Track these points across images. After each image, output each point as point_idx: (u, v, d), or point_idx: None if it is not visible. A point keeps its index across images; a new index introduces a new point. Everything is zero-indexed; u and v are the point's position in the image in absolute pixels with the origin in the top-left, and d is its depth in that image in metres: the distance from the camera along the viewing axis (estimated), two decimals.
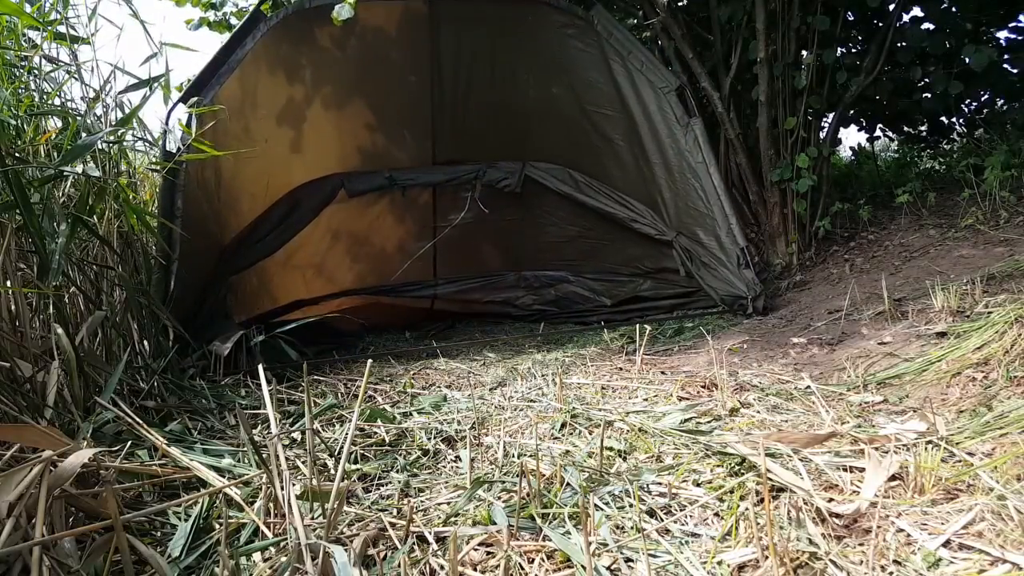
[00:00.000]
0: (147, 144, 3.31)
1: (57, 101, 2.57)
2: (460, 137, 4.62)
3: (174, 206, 3.06)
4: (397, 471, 1.69)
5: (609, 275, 4.71)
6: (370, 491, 1.58)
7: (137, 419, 1.78)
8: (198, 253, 3.31)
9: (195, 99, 3.03)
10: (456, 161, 4.69)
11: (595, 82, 4.16)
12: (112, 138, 2.54)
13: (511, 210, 4.86)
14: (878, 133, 5.32)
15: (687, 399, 2.11)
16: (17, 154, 2.15)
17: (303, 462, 1.69)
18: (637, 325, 3.13)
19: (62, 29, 2.60)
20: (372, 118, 4.43)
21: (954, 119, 5.01)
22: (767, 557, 1.10)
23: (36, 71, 2.50)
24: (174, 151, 2.90)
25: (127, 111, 2.85)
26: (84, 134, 2.29)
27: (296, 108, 4.04)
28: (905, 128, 5.27)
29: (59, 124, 2.56)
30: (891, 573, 1.07)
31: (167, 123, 2.94)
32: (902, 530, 1.16)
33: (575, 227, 4.78)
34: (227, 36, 5.03)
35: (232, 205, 3.83)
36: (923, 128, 5.24)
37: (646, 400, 2.18)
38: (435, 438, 1.91)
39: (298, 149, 4.17)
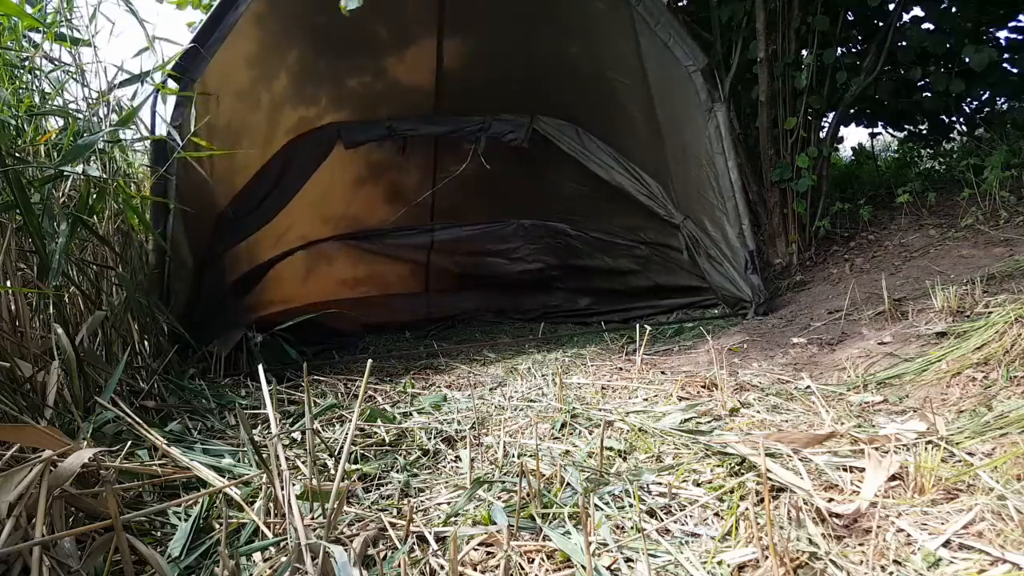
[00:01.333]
0: (146, 144, 3.27)
1: (59, 102, 2.57)
2: (466, 88, 4.39)
3: (167, 195, 2.92)
4: (397, 471, 1.69)
5: (610, 234, 4.58)
6: (370, 491, 1.58)
7: (137, 419, 1.78)
8: (194, 228, 3.19)
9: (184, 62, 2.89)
10: (460, 112, 4.44)
11: (617, 47, 3.87)
12: (112, 138, 2.54)
13: (514, 164, 4.62)
14: (879, 130, 5.33)
15: (687, 399, 2.11)
16: (17, 154, 2.15)
17: (303, 462, 1.69)
18: (637, 325, 3.13)
19: (63, 30, 2.60)
20: (373, 65, 4.22)
21: (955, 119, 5.02)
22: (767, 557, 1.10)
23: (38, 71, 2.50)
24: (164, 135, 2.81)
25: (126, 111, 2.84)
26: (85, 134, 2.29)
27: (292, 60, 3.83)
28: (906, 126, 5.27)
29: (59, 124, 2.56)
30: (891, 573, 1.07)
31: (154, 105, 2.86)
32: (902, 530, 1.16)
33: (580, 185, 4.58)
34: None
35: (226, 175, 3.66)
36: (923, 127, 5.25)
37: (646, 400, 2.18)
38: (435, 438, 1.91)
39: (295, 103, 3.98)
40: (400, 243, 4.99)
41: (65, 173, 2.21)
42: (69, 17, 2.66)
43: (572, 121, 4.32)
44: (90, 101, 2.66)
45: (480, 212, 5.03)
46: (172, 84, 2.91)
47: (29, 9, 2.49)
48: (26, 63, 2.44)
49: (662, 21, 3.62)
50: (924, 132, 5.28)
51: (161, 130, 2.87)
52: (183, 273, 3.08)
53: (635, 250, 4.47)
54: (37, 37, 2.58)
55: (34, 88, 2.49)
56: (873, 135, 5.39)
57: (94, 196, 2.40)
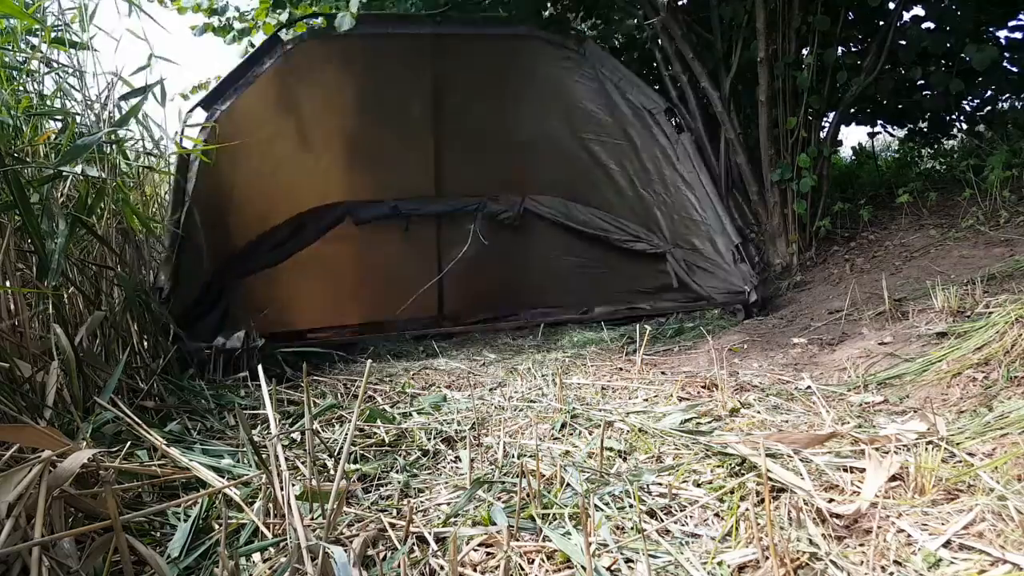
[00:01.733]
0: (147, 145, 3.32)
1: (58, 103, 2.57)
2: (463, 169, 4.75)
3: (183, 205, 3.22)
4: (397, 471, 1.69)
5: (614, 308, 4.67)
6: (370, 491, 1.58)
7: (136, 419, 1.78)
8: (210, 237, 3.47)
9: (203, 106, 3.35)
10: (459, 193, 4.85)
11: (592, 111, 4.33)
12: (110, 139, 2.54)
13: (514, 242, 4.96)
14: (878, 128, 5.33)
15: (687, 399, 2.11)
16: (15, 154, 2.14)
17: (303, 462, 1.68)
18: (637, 325, 3.13)
19: (61, 34, 2.61)
20: (378, 149, 4.54)
21: (955, 117, 5.03)
22: (767, 557, 1.10)
23: (35, 73, 2.50)
24: (187, 149, 3.15)
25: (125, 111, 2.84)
26: (84, 135, 2.29)
27: (305, 134, 4.22)
28: (907, 124, 5.28)
29: (57, 126, 2.56)
30: (891, 573, 1.06)
31: (183, 123, 3.19)
32: (902, 530, 1.16)
33: (576, 257, 4.89)
34: (228, 39, 5.27)
35: (238, 214, 3.99)
36: (923, 124, 5.25)
37: (646, 400, 2.18)
38: (435, 438, 1.91)
39: (306, 173, 4.33)
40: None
41: (64, 173, 2.20)
42: (68, 20, 2.67)
43: (559, 191, 4.78)
44: (89, 102, 2.66)
45: (485, 296, 5.18)
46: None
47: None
48: (24, 64, 2.44)
49: (623, 78, 4.16)
50: (924, 130, 5.28)
51: (186, 144, 3.22)
52: (196, 275, 3.31)
53: (638, 309, 4.53)
54: (35, 40, 2.58)
55: (32, 90, 2.49)
56: (872, 134, 5.39)
57: (93, 196, 2.40)
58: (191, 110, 3.34)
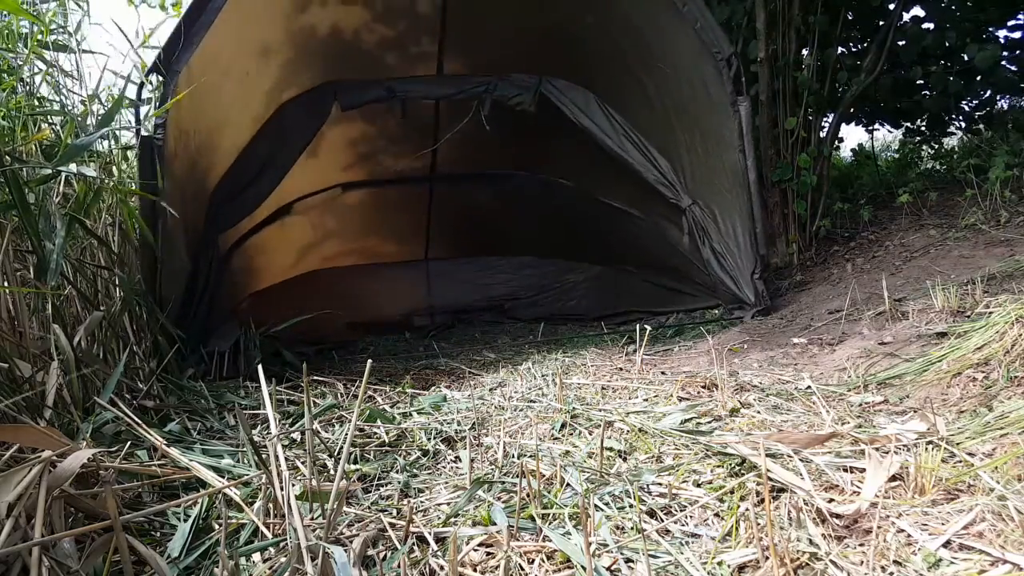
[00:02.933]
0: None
1: (56, 105, 2.57)
2: (471, 49, 4.18)
3: (156, 188, 2.77)
4: (397, 471, 1.68)
5: (617, 202, 4.41)
6: (370, 491, 1.58)
7: (136, 419, 1.77)
8: (188, 221, 3.14)
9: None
10: (464, 73, 4.22)
11: (639, 22, 3.70)
12: (106, 139, 2.54)
13: (520, 128, 4.38)
14: (877, 126, 5.36)
15: (687, 399, 2.11)
16: (13, 155, 2.14)
17: (303, 462, 1.68)
18: (637, 325, 3.12)
19: (57, 37, 2.61)
20: (371, 20, 3.92)
21: (954, 116, 5.04)
22: (767, 557, 1.10)
23: (32, 74, 2.50)
24: (148, 126, 2.78)
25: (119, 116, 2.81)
26: (81, 135, 2.29)
27: (286, 35, 3.65)
28: (906, 123, 5.29)
29: (49, 127, 2.56)
30: (891, 574, 1.06)
31: (139, 96, 2.85)
32: (902, 530, 1.16)
33: (590, 154, 4.30)
34: None
35: (217, 149, 3.48)
36: (922, 122, 5.27)
37: (646, 400, 2.18)
38: (435, 438, 1.91)
39: (288, 77, 3.76)
40: (400, 190, 4.86)
41: (62, 173, 2.20)
42: (64, 24, 2.67)
43: (584, 87, 4.06)
44: (84, 100, 2.66)
45: (481, 166, 4.89)
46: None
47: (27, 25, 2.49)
48: (20, 67, 2.44)
49: (688, 2, 3.43)
50: (923, 128, 5.29)
51: (146, 123, 2.83)
52: (177, 269, 3.03)
53: (638, 221, 4.31)
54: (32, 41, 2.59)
55: (23, 89, 2.49)
56: (871, 131, 5.42)
57: (91, 196, 2.40)
58: (142, 83, 2.75)
